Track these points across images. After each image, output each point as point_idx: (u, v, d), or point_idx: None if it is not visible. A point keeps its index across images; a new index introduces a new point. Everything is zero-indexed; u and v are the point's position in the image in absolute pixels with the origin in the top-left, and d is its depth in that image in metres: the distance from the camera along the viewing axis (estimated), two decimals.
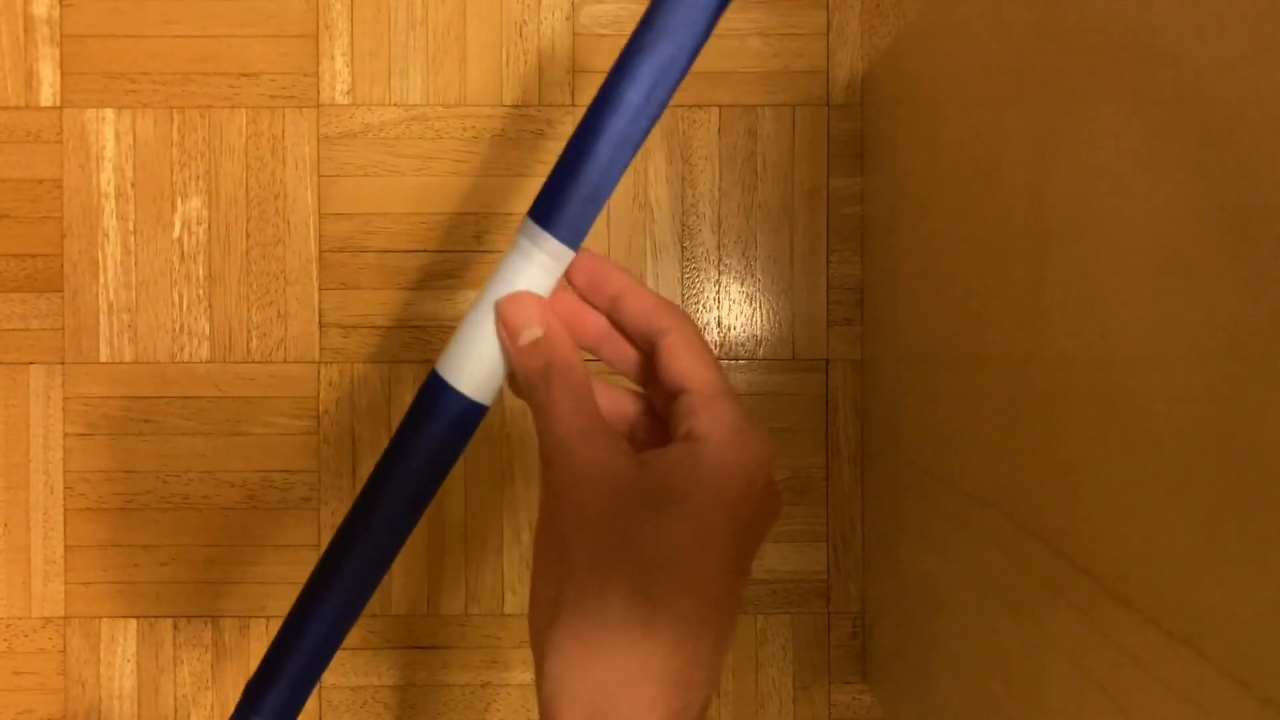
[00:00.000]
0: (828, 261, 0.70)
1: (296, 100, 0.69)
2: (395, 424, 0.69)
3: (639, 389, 0.29)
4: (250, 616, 0.69)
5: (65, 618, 0.69)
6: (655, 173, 0.69)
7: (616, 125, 0.26)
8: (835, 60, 0.70)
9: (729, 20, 0.69)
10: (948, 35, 0.49)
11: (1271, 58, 0.22)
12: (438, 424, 0.28)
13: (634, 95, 0.26)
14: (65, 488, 0.69)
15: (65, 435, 0.69)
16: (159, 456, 0.69)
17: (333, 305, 0.69)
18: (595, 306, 0.28)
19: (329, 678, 0.69)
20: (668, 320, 0.27)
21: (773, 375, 0.70)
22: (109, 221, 0.69)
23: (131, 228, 0.69)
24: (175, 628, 0.69)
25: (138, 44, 0.69)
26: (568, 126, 0.69)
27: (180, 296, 0.69)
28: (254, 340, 0.69)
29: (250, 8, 0.69)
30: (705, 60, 0.69)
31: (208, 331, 0.69)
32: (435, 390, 0.28)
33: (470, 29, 0.69)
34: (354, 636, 0.69)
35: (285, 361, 0.69)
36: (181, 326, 0.69)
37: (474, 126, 0.69)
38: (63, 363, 0.69)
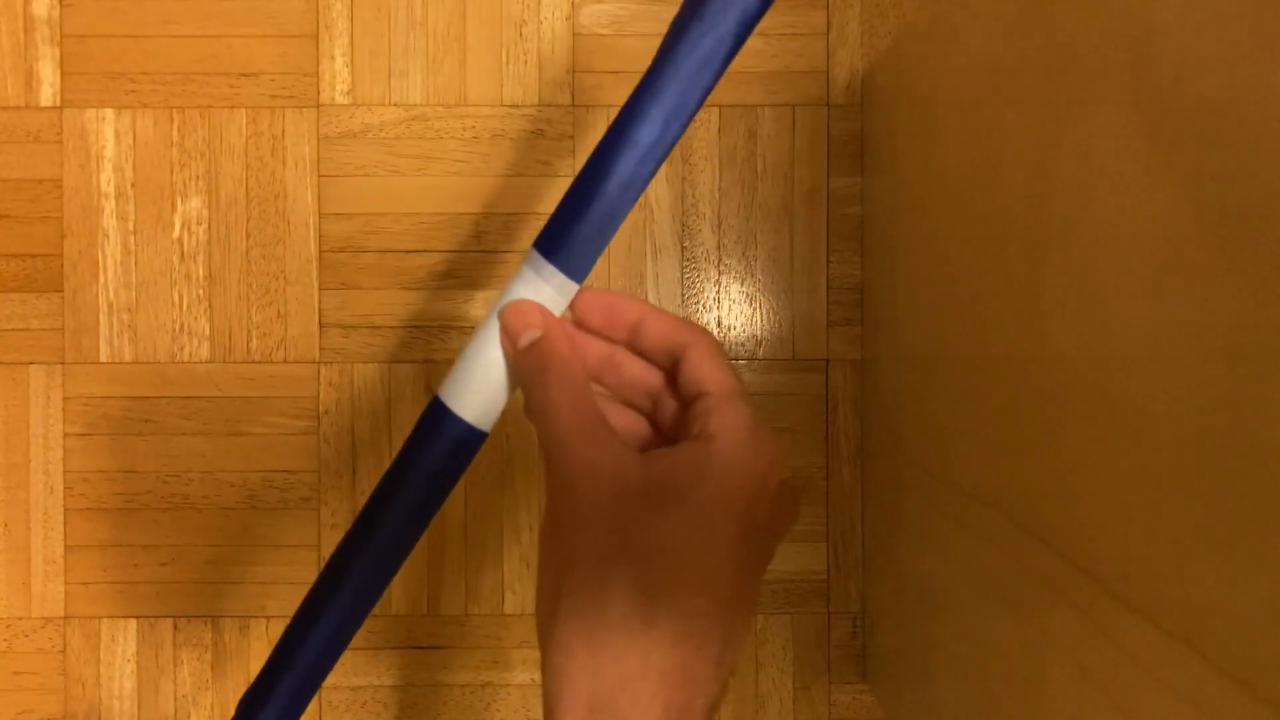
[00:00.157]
0: (828, 261, 0.70)
1: (296, 100, 0.69)
2: (395, 424, 0.69)
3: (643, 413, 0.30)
4: (250, 616, 0.69)
5: (65, 618, 0.69)
6: (655, 173, 0.69)
7: (626, 165, 0.27)
8: (835, 60, 0.70)
9: None
10: (948, 35, 0.49)
11: (1271, 58, 0.22)
12: (438, 449, 0.28)
13: (644, 136, 0.27)
14: (65, 488, 0.69)
15: (65, 435, 0.69)
16: (159, 456, 0.69)
17: (333, 305, 0.69)
18: (613, 338, 0.29)
19: (329, 678, 0.69)
20: (691, 334, 0.28)
21: (773, 375, 0.70)
22: (109, 221, 0.69)
23: (131, 228, 0.69)
24: (175, 628, 0.69)
25: (138, 44, 0.69)
26: (568, 126, 0.69)
27: (180, 296, 0.69)
28: (254, 340, 0.69)
29: (250, 8, 0.69)
30: None
31: (208, 331, 0.69)
32: (437, 415, 0.28)
33: (470, 29, 0.69)
34: (354, 636, 0.69)
35: (285, 361, 0.69)
36: (181, 326, 0.69)
37: (474, 126, 0.69)
38: (63, 363, 0.69)
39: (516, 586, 0.69)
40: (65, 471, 0.69)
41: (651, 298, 0.69)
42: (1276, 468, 0.22)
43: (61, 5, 0.69)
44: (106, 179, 0.69)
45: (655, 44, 0.28)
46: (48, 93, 0.69)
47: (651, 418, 0.29)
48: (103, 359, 0.69)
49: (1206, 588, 0.25)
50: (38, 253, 0.69)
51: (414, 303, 0.69)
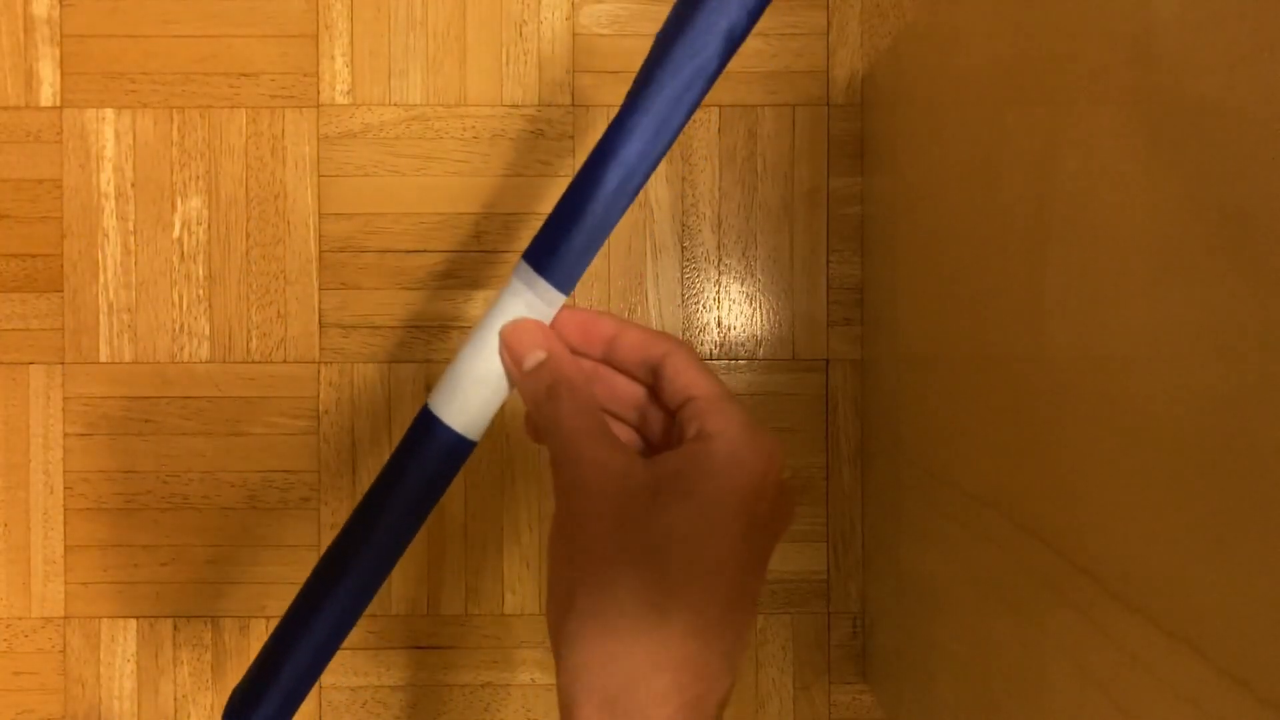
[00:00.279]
0: (828, 261, 0.70)
1: (296, 100, 0.69)
2: (395, 424, 0.69)
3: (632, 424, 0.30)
4: (250, 616, 0.69)
5: (65, 618, 0.69)
6: (655, 173, 0.69)
7: (613, 179, 0.27)
8: (835, 60, 0.70)
9: None
10: (948, 35, 0.49)
11: (1271, 58, 0.22)
12: (428, 457, 0.29)
13: (632, 152, 0.27)
14: (65, 488, 0.69)
15: (65, 435, 0.69)
16: (159, 456, 0.69)
17: (333, 305, 0.69)
18: (589, 355, 0.29)
19: (329, 678, 0.69)
20: (666, 345, 0.28)
21: (773, 375, 0.70)
22: (109, 221, 0.69)
23: (131, 228, 0.69)
24: (175, 628, 0.69)
25: (138, 44, 0.69)
26: (568, 126, 0.69)
27: (180, 296, 0.69)
28: (254, 340, 0.69)
29: (250, 8, 0.69)
30: None
31: (208, 331, 0.69)
32: (427, 424, 0.29)
33: (470, 29, 0.69)
34: (354, 636, 0.69)
35: (285, 361, 0.69)
36: (181, 326, 0.69)
37: (474, 126, 0.69)
38: (63, 363, 0.69)
39: (516, 586, 0.69)
40: (65, 471, 0.69)
41: (651, 298, 0.69)
42: (1276, 468, 0.22)
43: (61, 5, 0.69)
44: (106, 179, 0.69)
45: None
46: (48, 93, 0.69)
47: (639, 430, 0.30)
48: (103, 359, 0.69)
49: (1206, 588, 0.25)
50: (38, 253, 0.69)
51: (414, 303, 0.69)
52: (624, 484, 0.25)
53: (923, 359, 0.55)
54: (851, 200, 0.70)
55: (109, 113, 0.69)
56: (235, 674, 0.69)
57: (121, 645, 0.69)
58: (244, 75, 0.69)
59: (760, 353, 0.70)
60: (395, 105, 0.69)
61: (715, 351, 0.70)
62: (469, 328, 0.69)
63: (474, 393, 0.28)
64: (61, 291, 0.69)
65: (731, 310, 0.70)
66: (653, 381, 0.29)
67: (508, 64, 0.69)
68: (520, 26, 0.69)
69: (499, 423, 0.68)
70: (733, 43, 0.27)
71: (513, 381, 0.28)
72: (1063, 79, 0.34)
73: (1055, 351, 0.34)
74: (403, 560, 0.69)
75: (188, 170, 0.69)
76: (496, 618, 0.69)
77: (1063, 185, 0.34)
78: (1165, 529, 0.27)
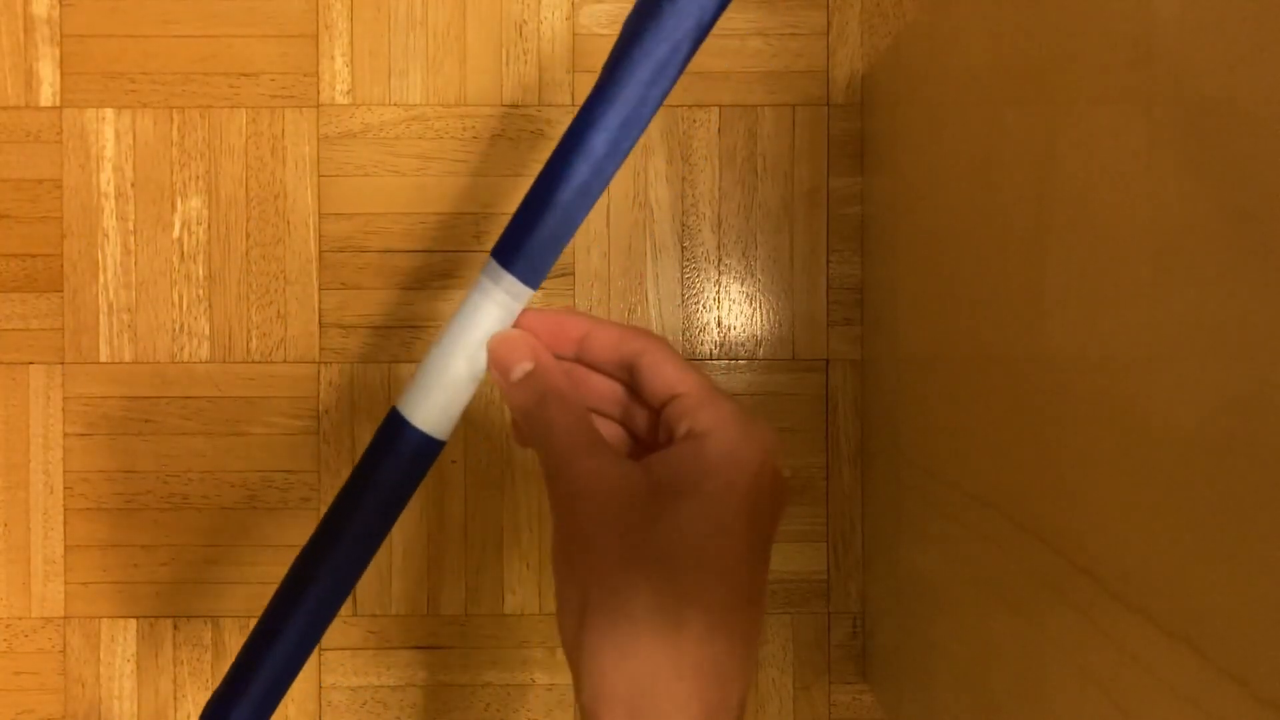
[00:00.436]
0: (828, 261, 0.70)
1: (296, 100, 0.69)
2: None
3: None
4: (250, 616, 0.69)
5: (65, 618, 0.69)
6: (655, 173, 0.69)
7: (581, 172, 0.27)
8: (835, 60, 0.70)
9: (729, 20, 0.69)
10: (948, 35, 0.49)
11: (1271, 58, 0.22)
12: (396, 458, 0.28)
13: (599, 144, 0.27)
14: (65, 488, 0.69)
15: (65, 435, 0.69)
16: (159, 456, 0.69)
17: (333, 305, 0.69)
18: (562, 356, 0.29)
19: (329, 678, 0.69)
20: (641, 342, 0.28)
21: (773, 375, 0.70)
22: (109, 221, 0.69)
23: (131, 228, 0.69)
24: (175, 628, 0.69)
25: (138, 44, 0.69)
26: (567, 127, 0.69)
27: (180, 296, 0.69)
28: (254, 340, 0.69)
29: (250, 8, 0.69)
30: (705, 60, 0.69)
31: (208, 331, 0.69)
32: (394, 426, 0.28)
33: (470, 29, 0.69)
34: (354, 636, 0.69)
35: (285, 361, 0.69)
36: (181, 326, 0.69)
37: (474, 126, 0.69)
38: (63, 363, 0.69)
39: (516, 586, 0.69)
40: (65, 471, 0.69)
41: (651, 298, 0.69)
42: (1276, 468, 0.22)
43: (61, 5, 0.69)
44: (106, 179, 0.69)
45: None
46: (48, 93, 0.69)
47: (624, 425, 0.29)
48: (103, 359, 0.69)
49: (1206, 588, 0.25)
50: (38, 253, 0.69)
51: (414, 303, 0.69)
52: (624, 492, 0.25)
53: (923, 359, 0.55)
54: (851, 200, 0.70)
55: (109, 113, 0.69)
56: None
57: (121, 645, 0.69)
58: (244, 75, 0.69)
59: (760, 353, 0.70)
60: (395, 105, 0.69)
61: (715, 351, 0.70)
62: None
63: (440, 393, 0.28)
64: (61, 291, 0.69)
65: (731, 310, 0.70)
66: (629, 379, 0.28)
67: (508, 64, 0.69)
68: (520, 26, 0.69)
69: (499, 423, 0.68)
70: (702, 29, 0.26)
71: (501, 393, 0.28)
72: (1063, 79, 0.34)
73: (1055, 351, 0.34)
74: (403, 560, 0.69)
75: (188, 170, 0.69)
76: (496, 618, 0.69)
77: (1063, 185, 0.34)
78: (1165, 529, 0.27)
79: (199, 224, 0.69)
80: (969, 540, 0.44)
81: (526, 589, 0.69)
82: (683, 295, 0.70)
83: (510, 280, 0.28)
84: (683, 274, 0.70)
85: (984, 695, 0.43)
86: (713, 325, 0.70)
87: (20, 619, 0.69)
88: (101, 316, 0.69)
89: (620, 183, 0.69)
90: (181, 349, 0.69)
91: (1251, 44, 0.23)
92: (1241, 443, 0.23)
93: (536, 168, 0.71)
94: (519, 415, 0.28)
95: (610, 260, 0.69)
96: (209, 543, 0.69)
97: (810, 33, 0.70)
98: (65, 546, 0.69)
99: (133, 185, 0.69)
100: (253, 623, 0.72)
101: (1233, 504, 0.23)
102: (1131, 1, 0.29)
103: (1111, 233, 0.30)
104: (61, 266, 0.69)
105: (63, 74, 0.69)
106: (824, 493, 0.70)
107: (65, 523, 0.69)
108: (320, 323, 0.69)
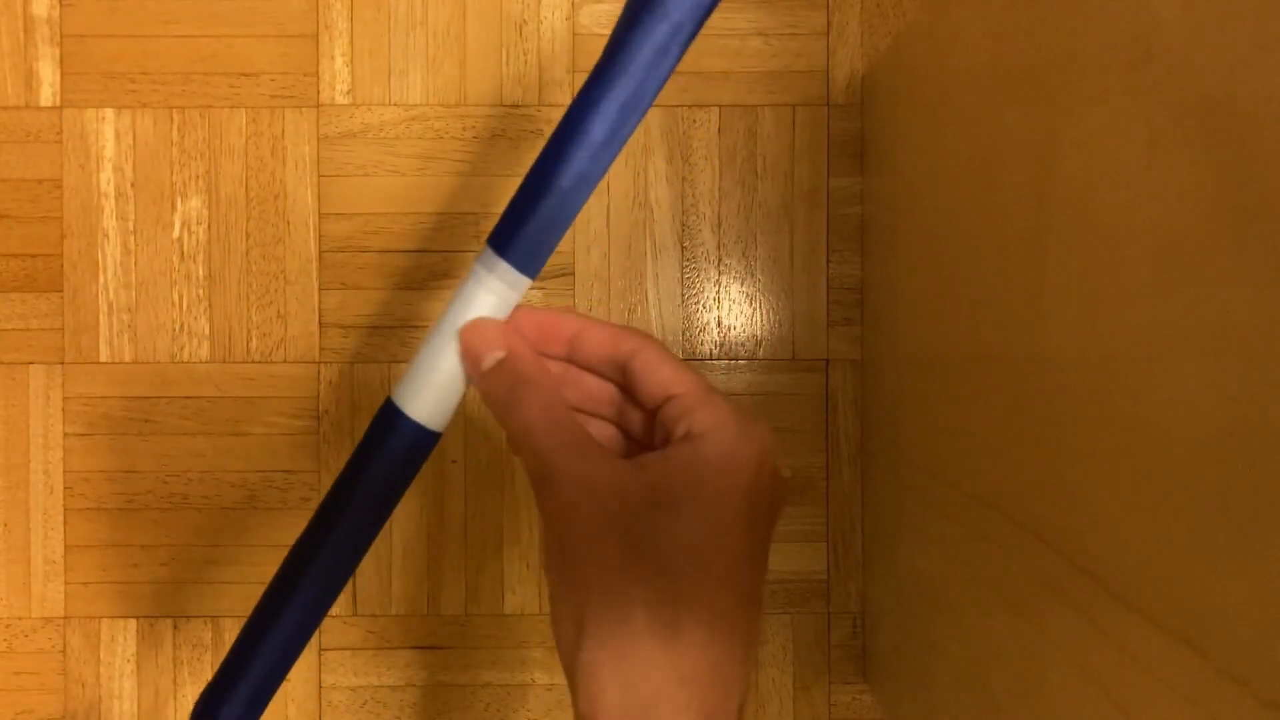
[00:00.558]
0: (828, 261, 0.70)
1: (296, 100, 0.69)
2: None
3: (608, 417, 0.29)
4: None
5: (65, 618, 0.69)
6: (655, 173, 0.69)
7: (579, 159, 0.26)
8: (835, 60, 0.70)
9: (729, 20, 0.69)
10: (948, 35, 0.49)
11: (1271, 58, 0.22)
12: (392, 450, 0.28)
13: (598, 130, 0.26)
14: (65, 488, 0.69)
15: (65, 435, 0.69)
16: (159, 456, 0.69)
17: (333, 305, 0.69)
18: (553, 355, 0.28)
19: (329, 678, 0.69)
20: (634, 341, 0.27)
21: (773, 375, 0.70)
22: (109, 221, 0.69)
23: (131, 228, 0.69)
24: (175, 628, 0.69)
25: (138, 44, 0.69)
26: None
27: (180, 296, 0.69)
28: (254, 340, 0.69)
29: (250, 8, 0.69)
30: (705, 60, 0.69)
31: (208, 331, 0.69)
32: (389, 418, 0.28)
33: (470, 29, 0.69)
34: (354, 636, 0.69)
35: (285, 361, 0.69)
36: (181, 326, 0.69)
37: (474, 126, 0.69)
38: (63, 363, 0.69)
39: (516, 587, 0.69)
40: (65, 471, 0.69)
41: (651, 298, 0.69)
42: (1276, 468, 0.22)
43: (61, 5, 0.69)
44: (106, 179, 0.69)
45: None
46: (48, 93, 0.69)
47: (619, 425, 0.29)
48: (103, 359, 0.69)
49: (1206, 588, 0.25)
50: (38, 253, 0.69)
51: (414, 303, 0.69)
52: (617, 498, 0.24)
53: (923, 359, 0.55)
54: (851, 200, 0.70)
55: (109, 113, 0.69)
56: None
57: (121, 645, 0.69)
58: (244, 75, 0.69)
59: (760, 353, 0.70)
60: (395, 105, 0.69)
61: (715, 351, 0.70)
62: None
63: (435, 383, 0.27)
64: (61, 291, 0.69)
65: (731, 310, 0.70)
66: (622, 380, 0.27)
67: (508, 64, 0.69)
68: (520, 26, 0.69)
69: (500, 425, 0.68)
70: (701, 12, 0.25)
71: (472, 384, 0.27)
72: (1063, 79, 0.34)
73: (1055, 351, 0.34)
74: (403, 560, 0.69)
75: (188, 170, 0.69)
76: (496, 618, 0.69)
77: (1063, 185, 0.34)
78: (1165, 529, 0.27)
79: (199, 224, 0.69)
80: (969, 540, 0.44)
81: (526, 589, 0.69)
82: (683, 295, 0.70)
83: (505, 268, 0.27)
84: (683, 274, 0.70)
85: (984, 695, 0.43)
86: (713, 325, 0.70)
87: (20, 619, 0.69)
88: (101, 316, 0.69)
89: (620, 183, 0.69)
90: (181, 349, 0.69)
91: (1251, 44, 0.23)
92: (1241, 442, 0.23)
93: None
94: (493, 409, 0.26)
95: (610, 260, 0.69)
96: (209, 543, 0.69)
97: (810, 33, 0.70)
98: (65, 546, 0.69)
99: (133, 185, 0.69)
100: None
101: (1233, 504, 0.23)
102: (1131, 1, 0.29)
103: (1111, 233, 0.30)
104: (61, 266, 0.69)
105: (63, 74, 0.69)
106: (824, 493, 0.70)
107: (65, 523, 0.69)
108: (320, 323, 0.69)
